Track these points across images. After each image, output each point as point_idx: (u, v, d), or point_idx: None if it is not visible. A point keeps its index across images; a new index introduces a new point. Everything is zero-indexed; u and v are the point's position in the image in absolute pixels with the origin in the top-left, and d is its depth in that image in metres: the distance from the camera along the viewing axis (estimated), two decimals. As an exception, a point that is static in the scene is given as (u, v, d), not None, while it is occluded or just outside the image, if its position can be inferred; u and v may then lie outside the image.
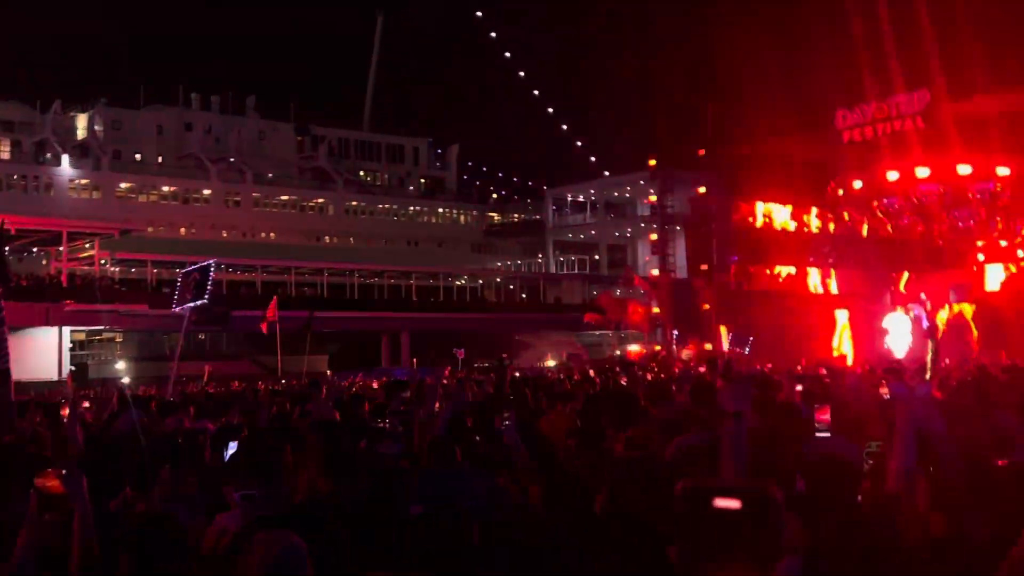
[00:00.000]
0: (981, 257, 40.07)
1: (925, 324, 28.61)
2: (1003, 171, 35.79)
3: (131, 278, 52.33)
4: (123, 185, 59.93)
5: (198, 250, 51.95)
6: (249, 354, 49.24)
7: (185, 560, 3.63)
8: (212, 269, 13.91)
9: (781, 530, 2.01)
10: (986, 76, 32.25)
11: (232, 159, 63.69)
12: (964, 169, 35.38)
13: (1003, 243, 39.41)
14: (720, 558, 2.02)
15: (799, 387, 8.94)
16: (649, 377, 18.33)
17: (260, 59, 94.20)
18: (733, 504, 1.99)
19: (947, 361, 24.43)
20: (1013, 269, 39.98)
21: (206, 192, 61.96)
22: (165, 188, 61.24)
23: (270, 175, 65.42)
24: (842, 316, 39.75)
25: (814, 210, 43.04)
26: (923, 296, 32.90)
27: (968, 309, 36.44)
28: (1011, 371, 14.21)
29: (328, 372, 40.60)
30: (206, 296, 13.70)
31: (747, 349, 28.19)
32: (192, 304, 14.06)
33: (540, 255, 70.99)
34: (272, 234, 62.64)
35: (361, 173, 72.65)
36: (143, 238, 52.95)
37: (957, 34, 33.11)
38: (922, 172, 36.18)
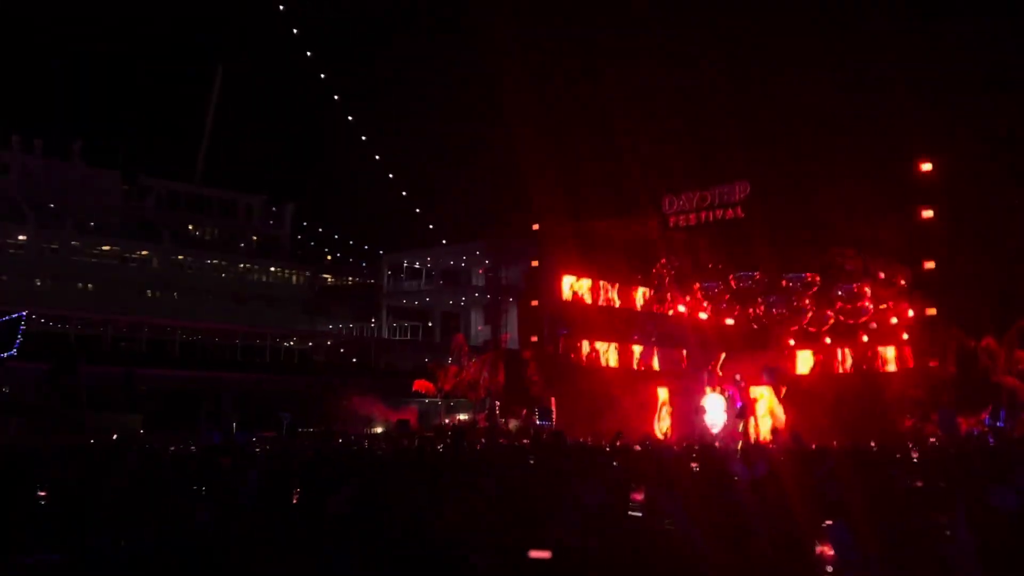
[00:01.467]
0: (792, 342, 42.44)
1: (738, 404, 30.07)
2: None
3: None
4: (-73, 226, 56.12)
5: (9, 299, 49.02)
6: (58, 408, 46.46)
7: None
8: (23, 322, 13.38)
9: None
10: (789, 179, 34.62)
11: (52, 205, 60.67)
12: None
13: (812, 330, 41.86)
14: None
15: (615, 463, 9.23)
16: (478, 447, 18.47)
17: (90, 104, 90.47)
18: (544, 554, 2.16)
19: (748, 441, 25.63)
20: (820, 356, 42.55)
21: (21, 238, 58.63)
22: (-25, 231, 57.65)
23: (92, 223, 62.60)
24: (663, 393, 41.16)
25: (640, 290, 44.69)
26: (737, 377, 34.57)
27: (769, 393, 38.38)
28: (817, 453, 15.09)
29: (141, 431, 38.72)
30: (15, 348, 13.17)
31: (552, 423, 28.93)
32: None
33: (373, 320, 70.49)
34: (90, 285, 59.75)
35: (190, 227, 70.47)
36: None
37: (767, 132, 35.48)
38: (740, 259, 38.26)
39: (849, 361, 41.17)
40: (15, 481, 8.22)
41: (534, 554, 2.11)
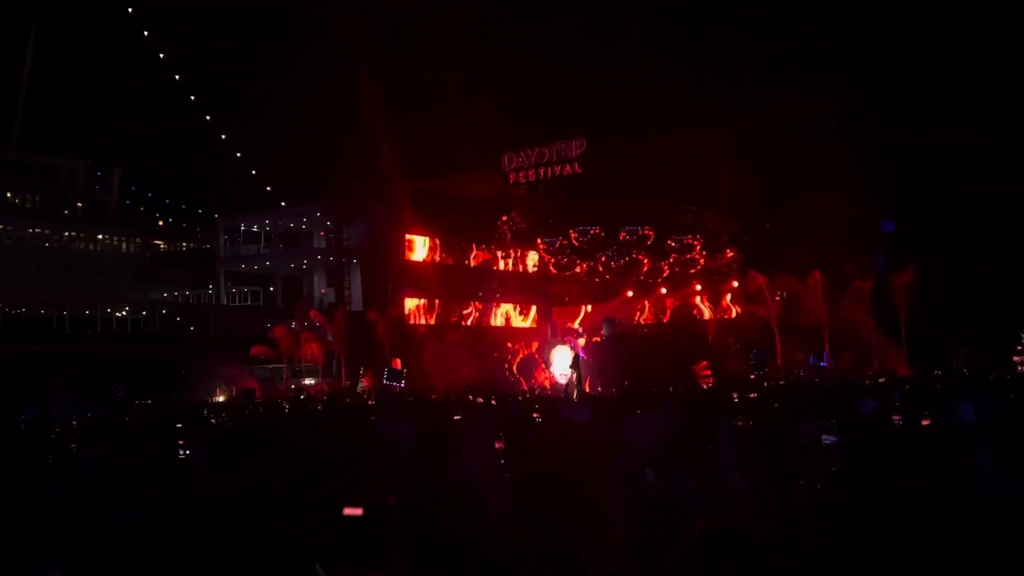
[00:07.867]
0: (631, 293, 43.78)
1: (581, 355, 30.81)
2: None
3: None
4: None
5: None
6: None
7: None
8: None
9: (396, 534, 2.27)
10: (624, 134, 35.37)
11: None
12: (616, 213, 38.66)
13: (649, 281, 43.29)
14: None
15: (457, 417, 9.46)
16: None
17: None
18: (357, 511, 2.23)
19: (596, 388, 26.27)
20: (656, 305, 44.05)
21: None
22: None
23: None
24: (521, 348, 41.84)
25: (483, 247, 45.05)
26: (579, 329, 35.41)
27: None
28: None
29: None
30: None
31: (402, 383, 28.92)
32: None
33: (211, 286, 68.32)
34: (-102, 258, 55.66)
35: (9, 195, 66.35)
36: None
37: (604, 88, 36.07)
38: (579, 215, 39.10)
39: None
40: None
41: (347, 511, 2.19)
